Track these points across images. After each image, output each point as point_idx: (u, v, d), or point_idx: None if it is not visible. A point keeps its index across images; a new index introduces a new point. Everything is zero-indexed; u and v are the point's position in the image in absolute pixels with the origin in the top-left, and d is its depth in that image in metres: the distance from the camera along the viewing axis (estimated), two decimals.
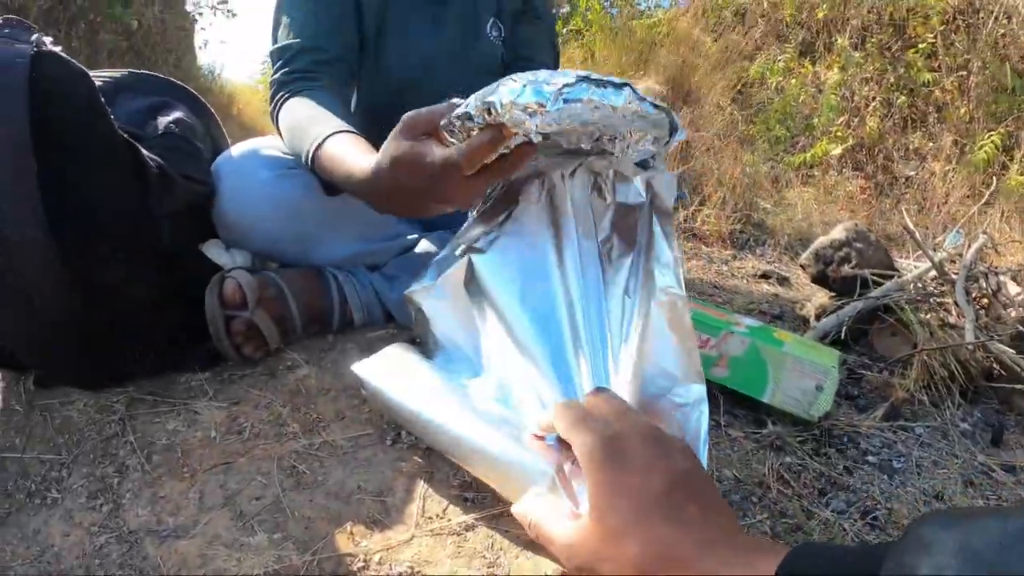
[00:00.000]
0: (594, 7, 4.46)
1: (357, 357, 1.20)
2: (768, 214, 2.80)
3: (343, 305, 1.29)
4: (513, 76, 0.78)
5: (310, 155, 1.09)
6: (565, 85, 0.74)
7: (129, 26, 5.74)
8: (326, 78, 1.29)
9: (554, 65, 1.59)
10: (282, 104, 1.25)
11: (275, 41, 1.35)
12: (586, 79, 0.75)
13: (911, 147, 4.08)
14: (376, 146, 0.97)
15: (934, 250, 2.23)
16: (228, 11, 7.67)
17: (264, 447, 0.98)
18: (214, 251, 1.27)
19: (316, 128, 1.11)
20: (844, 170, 3.84)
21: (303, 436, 1.01)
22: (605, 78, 0.77)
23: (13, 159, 0.91)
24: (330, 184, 1.13)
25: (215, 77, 7.61)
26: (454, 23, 1.47)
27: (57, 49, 1.02)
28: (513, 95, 0.75)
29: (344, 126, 1.10)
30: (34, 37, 0.99)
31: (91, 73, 1.29)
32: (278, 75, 1.30)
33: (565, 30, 4.69)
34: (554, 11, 1.69)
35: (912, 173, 3.91)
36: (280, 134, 1.26)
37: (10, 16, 1.02)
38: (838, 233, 1.75)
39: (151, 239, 1.15)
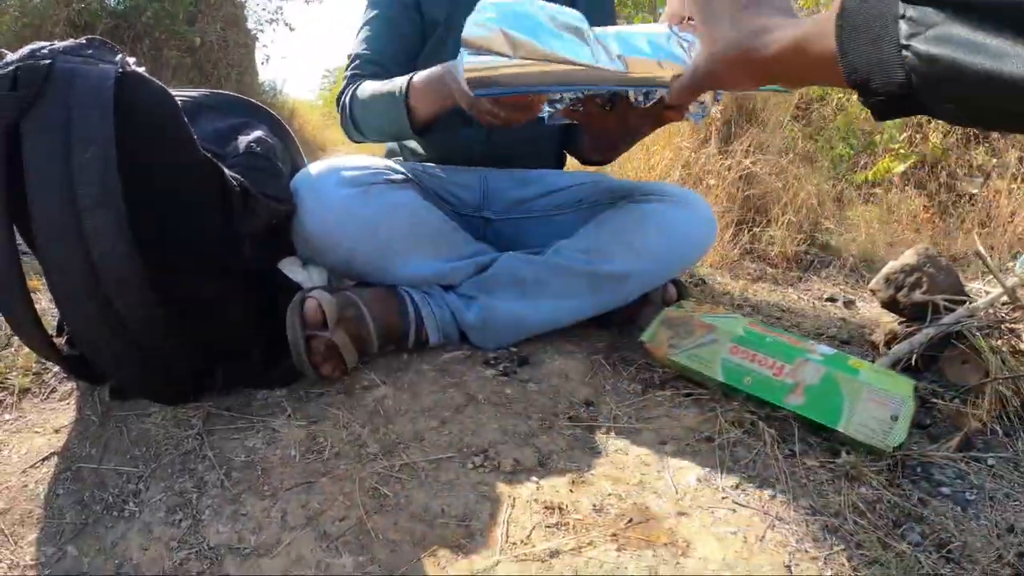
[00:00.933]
0: (648, 21, 4.50)
1: (433, 378, 1.25)
2: (832, 234, 2.80)
3: (419, 325, 1.35)
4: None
5: (405, 84, 1.35)
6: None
7: (192, 43, 5.95)
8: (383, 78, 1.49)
9: None
10: (354, 90, 1.51)
11: (354, 48, 1.61)
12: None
13: (974, 164, 4.01)
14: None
15: (1003, 273, 2.22)
16: (285, 23, 7.82)
17: (345, 467, 1.01)
18: (292, 268, 1.34)
19: (403, 79, 1.37)
20: (907, 188, 3.80)
21: (383, 457, 1.04)
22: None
23: (101, 177, 0.95)
24: (415, 120, 1.36)
25: (276, 92, 7.79)
26: None
27: (141, 69, 1.07)
28: None
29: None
30: (118, 57, 1.05)
31: (173, 92, 1.39)
32: (348, 75, 1.58)
33: None
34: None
35: (976, 191, 3.84)
36: (353, 110, 1.51)
37: (94, 37, 1.08)
38: (909, 258, 1.75)
39: (233, 257, 1.19)
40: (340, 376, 1.23)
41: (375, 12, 1.61)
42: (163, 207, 1.07)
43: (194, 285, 1.15)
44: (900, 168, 3.69)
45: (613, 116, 1.21)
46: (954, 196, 3.88)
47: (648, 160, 2.82)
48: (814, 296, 2.17)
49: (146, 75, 1.06)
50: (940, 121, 3.96)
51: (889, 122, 3.73)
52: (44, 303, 1.41)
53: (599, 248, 1.42)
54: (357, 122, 1.52)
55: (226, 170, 1.17)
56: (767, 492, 1.01)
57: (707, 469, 1.05)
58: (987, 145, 4.03)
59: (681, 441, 1.12)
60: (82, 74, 0.98)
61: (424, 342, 1.37)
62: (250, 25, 7.54)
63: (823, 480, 1.06)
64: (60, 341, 1.18)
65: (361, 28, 1.63)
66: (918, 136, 4.01)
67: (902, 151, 3.78)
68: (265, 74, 7.66)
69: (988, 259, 1.94)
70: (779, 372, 1.21)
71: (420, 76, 1.33)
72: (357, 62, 1.57)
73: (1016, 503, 1.11)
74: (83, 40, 1.05)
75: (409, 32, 1.59)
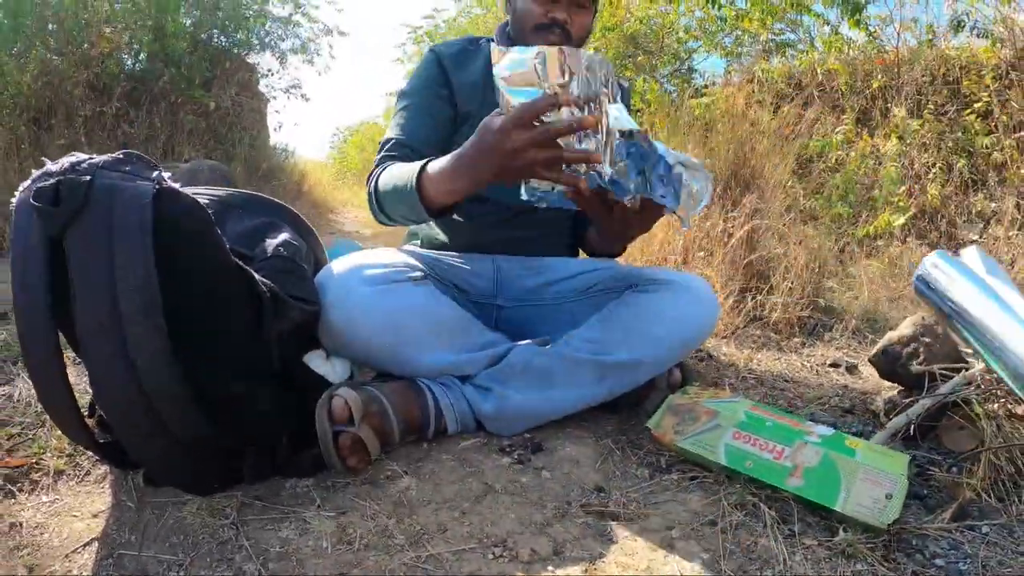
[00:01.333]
0: (652, 87, 4.62)
1: (452, 468, 1.33)
2: (835, 293, 2.86)
3: (438, 416, 1.43)
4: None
5: (415, 174, 1.38)
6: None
7: (207, 107, 6.12)
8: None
9: None
10: (379, 174, 1.55)
11: (387, 132, 1.71)
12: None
13: (974, 211, 4.08)
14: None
15: None
16: (302, 95, 7.99)
17: (375, 559, 1.06)
18: (316, 362, 1.41)
19: (416, 165, 1.40)
20: (908, 239, 3.87)
21: (409, 548, 1.09)
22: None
23: (142, 290, 1.02)
24: (431, 208, 1.39)
25: (288, 156, 7.95)
26: None
27: (176, 185, 1.13)
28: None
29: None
30: (155, 174, 1.11)
31: (200, 190, 1.47)
32: (379, 157, 1.65)
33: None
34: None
35: (976, 238, 3.90)
36: (377, 195, 1.55)
37: (131, 152, 1.14)
38: (906, 328, 1.81)
39: (263, 355, 1.27)
40: (365, 467, 1.31)
41: (408, 101, 1.72)
42: (199, 312, 1.14)
43: (227, 383, 1.22)
44: (900, 220, 3.77)
45: (620, 209, 1.31)
46: (955, 244, 3.94)
47: (651, 232, 2.90)
48: (817, 362, 2.23)
49: (180, 190, 1.14)
50: (938, 170, 4.06)
51: (888, 176, 3.82)
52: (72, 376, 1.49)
53: (605, 339, 1.51)
54: (383, 207, 1.55)
55: (256, 274, 1.25)
56: (767, 573, 1.07)
57: (711, 553, 1.11)
58: (985, 192, 4.10)
59: (687, 526, 1.18)
60: (121, 191, 1.05)
61: (443, 431, 1.45)
62: (263, 88, 7.77)
63: (821, 558, 1.11)
64: (91, 422, 1.26)
65: (395, 114, 1.74)
66: (916, 187, 4.09)
67: (901, 204, 3.86)
68: (276, 138, 7.81)
69: None
70: (779, 455, 1.28)
71: (435, 162, 1.37)
72: (388, 145, 1.66)
73: (1009, 570, 1.14)
74: (120, 155, 1.13)
75: (441, 117, 1.70)
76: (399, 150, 1.64)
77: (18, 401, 1.53)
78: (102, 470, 1.29)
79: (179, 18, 6.06)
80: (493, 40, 1.77)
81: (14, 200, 1.07)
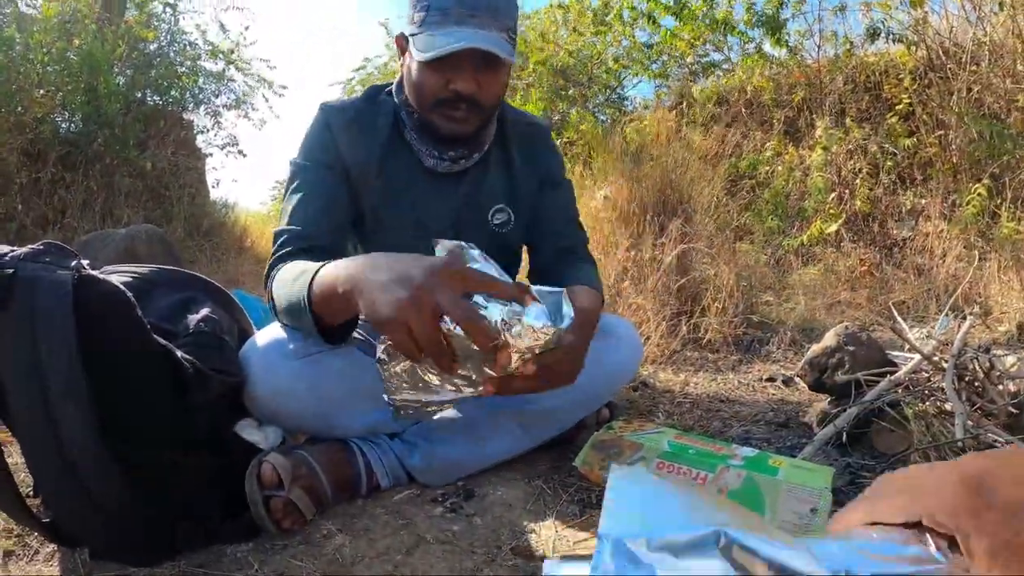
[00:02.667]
0: (586, 118, 4.69)
1: (386, 522, 1.33)
2: (771, 307, 2.92)
3: (369, 472, 1.44)
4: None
5: (304, 297, 1.21)
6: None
7: (144, 168, 6.07)
8: (312, 256, 1.39)
9: (574, 224, 1.71)
10: (273, 277, 1.39)
11: (279, 225, 1.51)
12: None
13: (904, 208, 4.19)
14: None
15: (928, 335, 2.33)
16: (239, 151, 7.99)
17: None
18: (248, 430, 1.41)
19: (307, 269, 1.24)
20: (843, 244, 3.96)
21: None
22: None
23: (66, 373, 1.06)
24: (329, 330, 1.27)
25: (229, 212, 7.89)
26: (451, 215, 1.59)
27: (96, 272, 1.18)
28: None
29: (327, 262, 1.22)
30: (74, 263, 1.14)
31: (123, 269, 1.50)
32: (273, 257, 1.45)
33: (560, 142, 4.92)
34: (568, 178, 1.78)
35: (909, 234, 4.00)
36: (274, 306, 1.37)
37: (51, 242, 1.16)
38: (829, 340, 1.85)
39: (190, 428, 1.29)
40: (300, 528, 1.31)
41: (299, 179, 1.52)
42: (122, 390, 1.17)
43: (155, 456, 1.24)
44: (832, 228, 3.86)
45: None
46: (889, 243, 4.04)
47: None
48: (754, 378, 2.27)
49: (99, 276, 1.18)
50: (865, 174, 4.17)
51: (816, 186, 3.91)
52: (16, 457, 1.46)
53: None
54: (281, 318, 1.40)
55: (178, 351, 1.27)
56: None
57: None
58: (913, 190, 4.20)
59: None
60: (43, 281, 1.09)
61: (376, 487, 1.46)
62: (200, 145, 7.73)
63: None
64: (36, 502, 1.27)
65: (287, 194, 1.54)
66: (847, 193, 4.19)
67: (832, 211, 3.95)
68: (216, 193, 7.77)
69: (905, 331, 2.06)
70: (703, 482, 1.30)
71: (321, 283, 1.19)
72: (282, 239, 1.46)
73: None
74: (41, 246, 1.15)
75: (337, 196, 1.52)
76: (296, 244, 1.44)
77: None
78: (50, 548, 1.28)
79: (111, 78, 6.01)
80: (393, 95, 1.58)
81: None
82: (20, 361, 1.05)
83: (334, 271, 1.16)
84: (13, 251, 1.12)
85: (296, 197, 1.50)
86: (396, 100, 1.56)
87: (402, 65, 1.51)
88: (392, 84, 1.60)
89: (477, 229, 1.60)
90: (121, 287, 1.21)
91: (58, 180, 5.60)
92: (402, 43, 1.48)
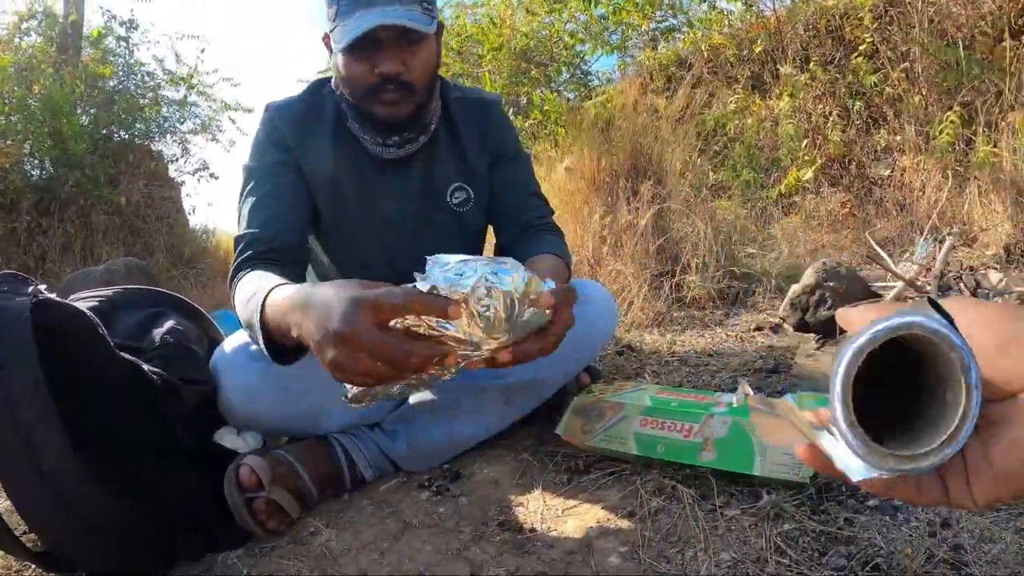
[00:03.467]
0: (548, 97, 4.65)
1: (371, 512, 1.32)
2: (754, 259, 2.89)
3: (352, 466, 1.41)
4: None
5: (257, 312, 1.10)
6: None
7: (118, 203, 6.05)
8: (277, 260, 1.37)
9: (535, 197, 1.64)
10: (236, 287, 1.31)
11: (238, 225, 1.46)
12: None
13: (879, 147, 4.17)
14: None
15: (910, 261, 2.31)
16: (211, 174, 7.96)
17: None
18: (228, 438, 1.40)
19: (262, 286, 1.14)
20: (822, 189, 3.94)
21: None
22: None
23: (35, 401, 1.05)
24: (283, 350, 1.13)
25: (209, 236, 7.86)
26: (410, 200, 1.56)
27: (52, 296, 1.17)
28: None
29: (279, 281, 1.14)
30: (31, 288, 1.14)
31: (86, 294, 1.49)
32: (235, 263, 1.39)
33: (527, 124, 4.88)
34: (525, 151, 1.74)
35: (887, 172, 3.98)
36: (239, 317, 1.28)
37: (6, 272, 1.18)
38: (808, 278, 1.83)
39: (167, 440, 1.28)
40: (287, 528, 1.30)
41: (252, 182, 1.48)
42: (94, 409, 1.16)
43: (140, 471, 1.23)
44: (809, 174, 3.83)
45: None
46: (868, 183, 4.02)
47: None
48: (742, 330, 2.24)
49: (57, 300, 1.18)
50: (836, 117, 4.15)
51: (787, 133, 3.89)
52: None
53: None
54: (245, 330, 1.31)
55: (145, 365, 1.27)
56: (688, 554, 1.06)
57: (628, 545, 1.10)
58: (886, 127, 4.18)
59: (605, 522, 1.18)
60: (0, 310, 1.09)
61: (361, 480, 1.43)
62: (173, 174, 7.70)
63: (746, 527, 1.10)
64: (31, 537, 1.24)
65: (242, 199, 1.49)
66: (820, 138, 4.16)
67: (807, 157, 3.92)
68: (195, 220, 7.73)
69: (884, 257, 2.03)
70: (688, 433, 1.27)
71: (279, 300, 1.08)
72: (242, 245, 1.40)
73: None
74: None
75: (295, 196, 1.48)
76: (255, 247, 1.39)
77: None
78: None
79: (75, 119, 5.97)
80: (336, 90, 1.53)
81: None
82: None
83: (279, 312, 1.06)
84: None
85: (251, 200, 1.46)
86: (336, 94, 1.53)
87: (333, 64, 1.49)
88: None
89: (438, 213, 1.57)
90: (81, 308, 1.22)
91: (34, 227, 5.59)
92: (327, 41, 1.47)
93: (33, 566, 1.28)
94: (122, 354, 1.23)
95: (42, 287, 1.18)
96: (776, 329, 2.17)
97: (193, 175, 7.87)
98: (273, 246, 1.40)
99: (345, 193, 1.53)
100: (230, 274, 1.38)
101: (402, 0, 1.33)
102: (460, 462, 1.47)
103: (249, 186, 1.48)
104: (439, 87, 1.54)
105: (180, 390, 1.30)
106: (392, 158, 1.51)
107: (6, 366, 1.05)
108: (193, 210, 7.89)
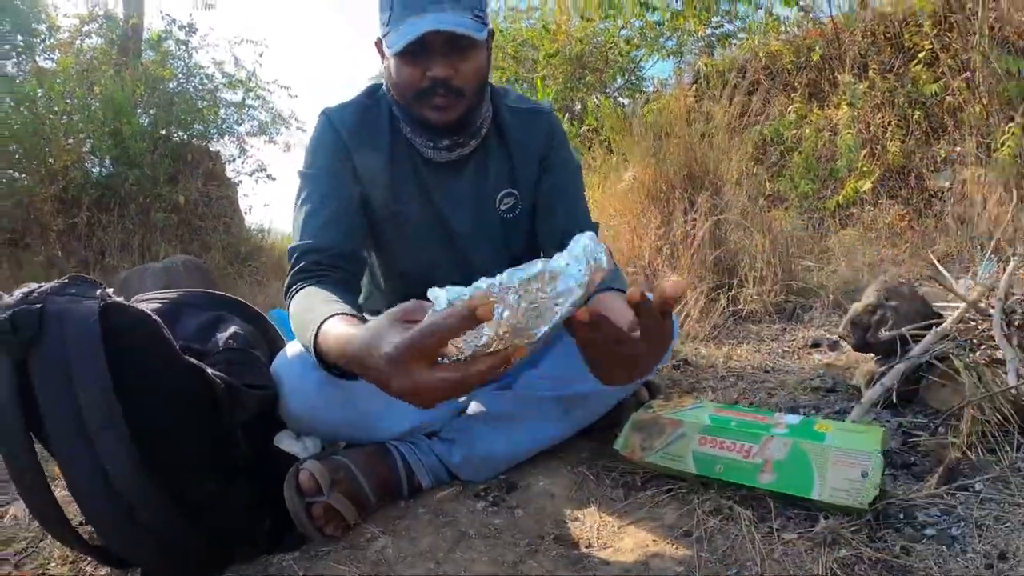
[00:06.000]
0: (604, 103, 4.64)
1: (428, 521, 1.33)
2: (811, 272, 2.85)
3: (409, 474, 1.43)
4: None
5: (311, 347, 1.13)
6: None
7: (177, 202, 6.19)
8: (331, 272, 1.40)
9: (580, 210, 1.61)
10: (289, 303, 1.35)
11: (293, 235, 1.49)
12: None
13: (938, 158, 4.09)
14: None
15: (973, 278, 2.26)
16: (268, 176, 8.06)
17: None
18: (286, 442, 1.42)
19: (313, 318, 1.15)
20: (880, 201, 3.87)
21: None
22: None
23: (102, 402, 1.07)
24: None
25: (264, 236, 7.98)
26: (464, 203, 1.58)
27: (120, 299, 1.19)
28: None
29: (337, 310, 1.15)
30: (98, 292, 1.17)
31: (149, 296, 1.51)
32: (288, 275, 1.42)
33: (582, 130, 4.88)
34: (576, 156, 1.71)
35: (946, 184, 3.89)
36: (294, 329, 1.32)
37: (76, 275, 1.20)
38: (870, 296, 1.80)
39: (229, 446, 1.30)
40: (344, 533, 1.32)
41: (309, 189, 1.50)
42: (159, 414, 1.18)
43: (200, 476, 1.26)
44: (867, 185, 3.77)
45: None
46: (927, 195, 3.94)
47: (615, 245, 2.91)
48: (798, 345, 2.22)
49: (124, 303, 1.20)
50: (895, 127, 4.07)
51: (846, 144, 3.83)
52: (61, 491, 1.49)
53: (565, 374, 1.48)
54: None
55: (209, 369, 1.28)
56: None
57: (684, 566, 1.10)
58: (946, 138, 4.10)
59: (661, 541, 1.17)
60: (70, 312, 1.12)
61: (418, 488, 1.45)
62: (229, 174, 7.84)
63: (802, 551, 1.09)
64: (88, 529, 1.26)
65: (297, 206, 1.51)
66: (878, 148, 4.09)
67: (865, 168, 3.86)
68: (250, 219, 7.87)
69: (947, 278, 1.99)
70: (747, 454, 1.26)
71: (331, 343, 1.08)
72: (296, 254, 1.43)
73: (1007, 525, 1.12)
74: (66, 279, 1.18)
75: (352, 205, 1.50)
76: (309, 259, 1.41)
77: (22, 517, 1.54)
78: (103, 572, 1.30)
79: (135, 119, 6.12)
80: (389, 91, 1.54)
81: None
82: (57, 395, 1.08)
83: (334, 354, 1.07)
84: (40, 287, 1.15)
85: (306, 208, 1.48)
86: (389, 97, 1.54)
87: (385, 67, 1.51)
88: None
89: (487, 217, 1.59)
90: (147, 311, 1.23)
91: (94, 223, 5.72)
92: (379, 46, 1.48)
93: (89, 558, 1.32)
94: (187, 358, 1.25)
95: (109, 290, 1.20)
96: (834, 346, 2.15)
97: (251, 175, 8.00)
98: (327, 257, 1.42)
99: (402, 196, 1.55)
100: (285, 285, 1.42)
101: (454, 7, 1.35)
102: (517, 473, 1.48)
103: (304, 193, 1.50)
104: (490, 93, 1.56)
105: (242, 395, 1.31)
106: (443, 161, 1.53)
107: (75, 371, 1.08)
108: (250, 209, 8.05)
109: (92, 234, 5.66)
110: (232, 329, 1.48)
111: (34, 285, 1.16)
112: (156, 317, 1.23)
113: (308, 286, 1.34)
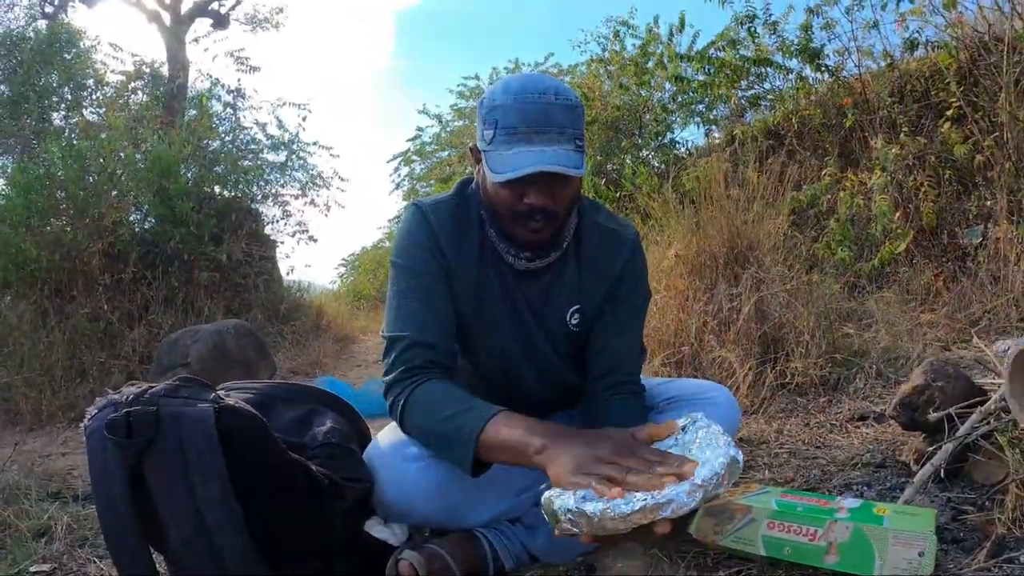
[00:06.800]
0: (641, 170, 4.78)
1: None
2: (851, 339, 2.94)
3: (495, 559, 1.55)
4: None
5: (473, 438, 1.29)
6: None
7: (220, 260, 6.30)
8: (438, 368, 1.47)
9: (635, 352, 1.68)
10: (406, 398, 1.43)
11: (388, 329, 1.53)
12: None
13: (970, 216, 4.14)
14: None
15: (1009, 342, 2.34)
16: (309, 237, 8.21)
17: None
18: (376, 528, 1.53)
19: (471, 415, 1.33)
20: (914, 260, 3.95)
21: None
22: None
23: (222, 503, 1.16)
24: (479, 462, 1.33)
25: (303, 293, 8.12)
26: (542, 311, 1.63)
27: (232, 402, 1.28)
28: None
29: (495, 408, 1.33)
30: (212, 395, 1.25)
31: (241, 385, 1.60)
32: (395, 372, 1.48)
33: (618, 195, 5.00)
34: (648, 293, 1.75)
35: (978, 240, 3.95)
36: (408, 425, 1.46)
37: (187, 377, 1.28)
38: (917, 378, 1.87)
39: (329, 533, 1.41)
40: None
41: (407, 282, 1.54)
42: (270, 510, 1.28)
43: (304, 565, 1.38)
44: (902, 247, 3.85)
45: None
46: (961, 253, 3.99)
47: (663, 320, 3.02)
48: (845, 418, 2.31)
49: (238, 406, 1.28)
50: (927, 187, 4.13)
51: (880, 209, 3.92)
52: None
53: None
54: (412, 434, 1.49)
55: (312, 464, 1.39)
56: None
57: None
58: (976, 195, 4.14)
59: None
60: (187, 415, 1.20)
61: (500, 570, 1.56)
62: (269, 232, 7.99)
63: None
64: None
65: (395, 296, 1.54)
66: (911, 208, 4.17)
67: (899, 230, 3.94)
68: (288, 278, 8.02)
69: (992, 359, 2.07)
70: (813, 537, 1.37)
71: (496, 438, 1.29)
72: (402, 347, 1.48)
73: None
74: (177, 381, 1.27)
75: (446, 302, 1.54)
76: (419, 353, 1.48)
77: None
78: None
79: (181, 177, 6.30)
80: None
81: (85, 425, 1.21)
82: (176, 495, 1.15)
83: (520, 433, 1.28)
84: (152, 388, 1.23)
85: (407, 302, 1.51)
86: (477, 197, 1.59)
87: (477, 173, 1.55)
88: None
89: (556, 327, 1.64)
90: (257, 414, 1.32)
91: (140, 278, 5.83)
92: (475, 154, 1.52)
93: None
94: (292, 455, 1.34)
95: (221, 392, 1.28)
96: (879, 419, 2.25)
97: (292, 236, 8.15)
98: (439, 354, 1.49)
99: (487, 298, 1.59)
100: (393, 377, 1.48)
101: (560, 139, 1.38)
102: (594, 556, 1.57)
103: (402, 286, 1.53)
104: (580, 207, 1.61)
105: (343, 489, 1.42)
106: (523, 269, 1.57)
107: (193, 471, 1.15)
108: (291, 270, 8.17)
109: (137, 289, 5.77)
110: (328, 424, 1.58)
111: (145, 385, 1.23)
112: (264, 419, 1.32)
113: (434, 381, 1.45)
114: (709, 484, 1.08)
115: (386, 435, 1.58)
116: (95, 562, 1.79)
